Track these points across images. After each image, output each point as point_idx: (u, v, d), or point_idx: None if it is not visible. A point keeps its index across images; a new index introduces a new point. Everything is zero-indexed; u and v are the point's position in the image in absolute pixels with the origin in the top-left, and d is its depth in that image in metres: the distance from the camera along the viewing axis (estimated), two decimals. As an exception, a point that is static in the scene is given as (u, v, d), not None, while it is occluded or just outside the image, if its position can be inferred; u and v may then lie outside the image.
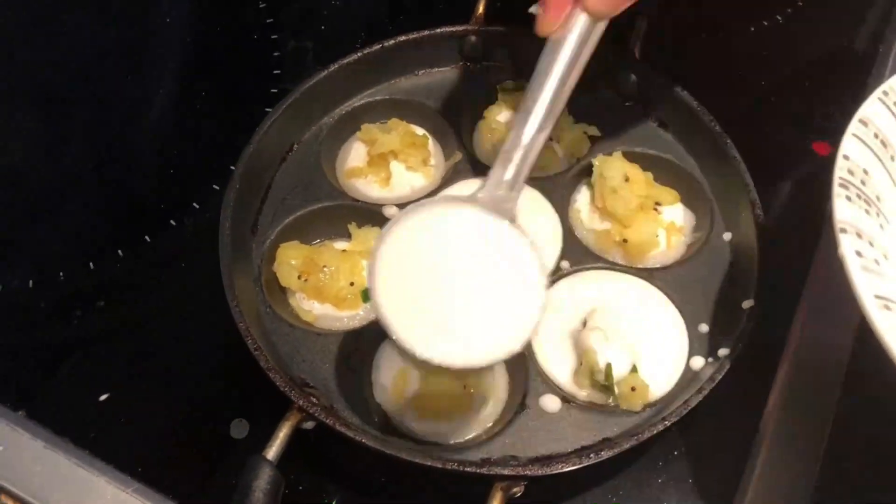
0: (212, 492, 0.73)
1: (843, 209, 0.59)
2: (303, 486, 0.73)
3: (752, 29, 1.10)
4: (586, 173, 0.88)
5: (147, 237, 0.91)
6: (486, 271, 0.63)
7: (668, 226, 0.85)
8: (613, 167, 0.85)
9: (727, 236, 0.83)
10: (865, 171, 0.63)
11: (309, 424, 0.68)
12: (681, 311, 0.79)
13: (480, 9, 0.96)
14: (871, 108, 0.66)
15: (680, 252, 0.84)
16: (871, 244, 0.59)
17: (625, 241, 0.83)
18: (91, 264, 0.89)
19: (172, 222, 0.92)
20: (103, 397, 0.79)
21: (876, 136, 0.65)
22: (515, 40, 0.95)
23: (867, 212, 0.61)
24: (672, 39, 1.07)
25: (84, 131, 1.01)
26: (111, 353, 0.83)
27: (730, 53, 1.08)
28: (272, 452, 0.65)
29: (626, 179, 0.84)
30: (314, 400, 0.69)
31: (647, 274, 0.81)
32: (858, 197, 0.61)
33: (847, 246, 0.57)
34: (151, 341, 0.84)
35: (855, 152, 0.63)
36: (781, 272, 0.79)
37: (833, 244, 0.58)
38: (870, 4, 1.10)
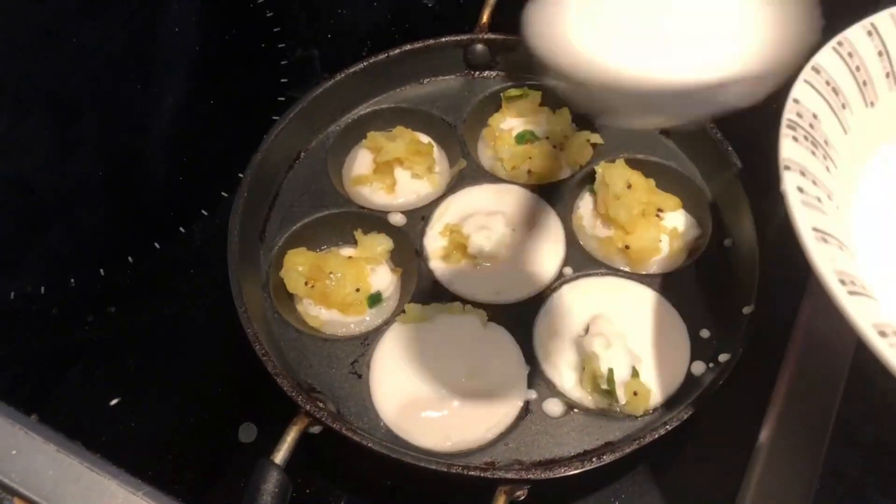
0: (220, 495, 0.74)
1: (789, 148, 0.61)
2: (310, 490, 0.74)
3: (755, 36, 1.10)
4: (589, 180, 0.89)
5: (157, 244, 0.92)
6: None
7: (671, 232, 0.86)
8: (616, 174, 0.86)
9: (728, 242, 0.84)
10: (815, 116, 0.65)
11: (316, 429, 0.69)
12: (682, 317, 0.80)
13: (485, 17, 0.97)
14: (824, 57, 0.68)
15: (682, 258, 0.85)
16: (814, 183, 0.61)
17: (627, 247, 0.84)
18: (102, 271, 0.90)
19: (181, 229, 0.93)
20: (114, 401, 0.80)
21: (828, 83, 0.67)
22: (520, 48, 0.96)
23: (813, 153, 0.63)
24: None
25: (94, 140, 1.02)
26: (122, 357, 0.84)
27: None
28: (280, 456, 0.66)
29: (629, 186, 0.85)
30: (321, 405, 0.70)
31: (650, 280, 0.82)
32: (805, 139, 0.63)
33: (790, 182, 0.59)
34: (161, 346, 0.85)
35: (805, 97, 0.65)
36: (782, 278, 0.79)
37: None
38: (873, 9, 1.11)
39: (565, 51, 0.49)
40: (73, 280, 0.89)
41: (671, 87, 0.47)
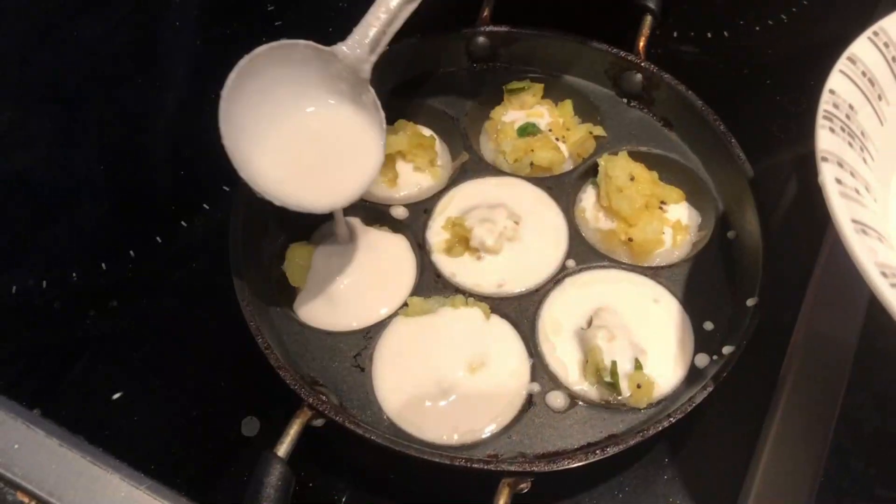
0: (224, 488, 0.74)
1: (826, 139, 0.61)
2: (313, 483, 0.74)
3: (757, 28, 1.10)
4: (592, 173, 0.89)
5: (158, 238, 0.92)
6: (336, 132, 0.73)
7: (674, 224, 0.85)
8: (619, 166, 0.86)
9: (732, 234, 0.84)
10: (851, 107, 0.65)
11: (319, 422, 0.69)
12: (686, 309, 0.80)
13: (487, 10, 0.97)
14: (860, 47, 0.68)
15: (685, 250, 0.85)
16: (852, 175, 0.61)
17: (630, 239, 0.83)
18: (103, 265, 0.90)
19: (183, 223, 0.93)
20: (116, 396, 0.80)
21: (864, 74, 0.67)
22: (521, 41, 0.96)
23: (850, 144, 0.63)
24: (677, 39, 1.08)
25: (96, 134, 1.02)
26: (124, 352, 0.84)
27: (735, 53, 1.08)
28: (283, 449, 0.66)
29: (632, 178, 0.85)
30: (324, 398, 0.70)
31: (653, 272, 0.82)
32: (842, 130, 0.63)
33: (827, 173, 0.58)
34: (163, 340, 0.85)
35: (841, 88, 0.65)
36: (786, 270, 0.79)
37: (817, 178, 0.60)
38: (875, 3, 1.11)
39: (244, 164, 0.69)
40: (74, 274, 0.89)
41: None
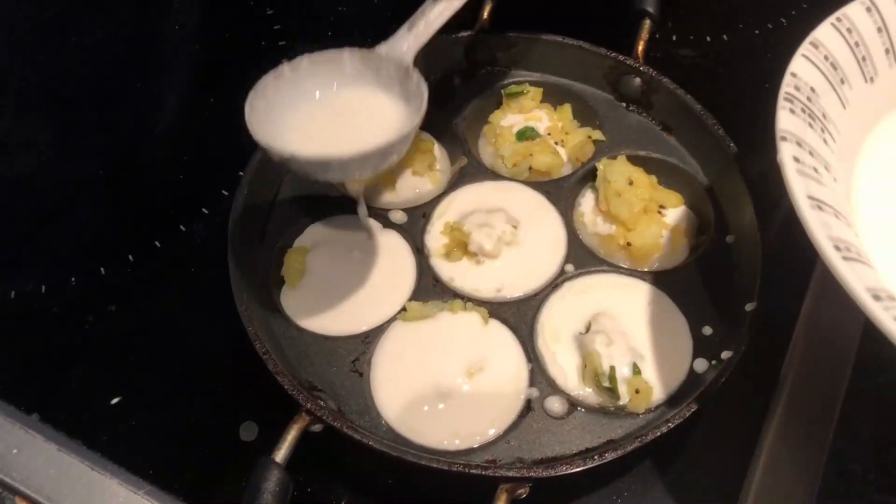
0: (221, 493, 0.74)
1: (785, 119, 0.62)
2: (311, 488, 0.74)
3: (757, 32, 1.10)
4: (591, 177, 0.89)
5: (157, 242, 0.92)
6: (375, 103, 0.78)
7: (673, 229, 0.85)
8: (617, 171, 0.86)
9: (731, 239, 0.84)
10: (812, 90, 0.66)
11: (317, 427, 0.69)
12: (684, 314, 0.79)
13: (485, 14, 0.97)
14: (822, 32, 0.68)
15: (684, 255, 0.85)
16: (811, 154, 0.62)
17: (629, 244, 0.83)
18: (102, 269, 0.90)
19: (182, 227, 0.93)
20: (115, 400, 0.80)
21: (826, 58, 0.67)
22: (520, 45, 0.96)
23: (811, 125, 0.64)
24: (676, 43, 1.08)
25: (95, 138, 1.02)
26: (122, 356, 0.84)
27: (734, 57, 1.08)
28: (281, 455, 0.66)
29: (631, 183, 0.85)
30: (322, 403, 0.70)
31: (651, 277, 0.82)
32: (803, 111, 0.64)
33: (786, 152, 0.59)
34: (162, 345, 0.85)
35: (803, 71, 0.66)
36: (785, 274, 0.79)
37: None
38: None
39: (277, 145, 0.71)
40: (73, 279, 0.89)
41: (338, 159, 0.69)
